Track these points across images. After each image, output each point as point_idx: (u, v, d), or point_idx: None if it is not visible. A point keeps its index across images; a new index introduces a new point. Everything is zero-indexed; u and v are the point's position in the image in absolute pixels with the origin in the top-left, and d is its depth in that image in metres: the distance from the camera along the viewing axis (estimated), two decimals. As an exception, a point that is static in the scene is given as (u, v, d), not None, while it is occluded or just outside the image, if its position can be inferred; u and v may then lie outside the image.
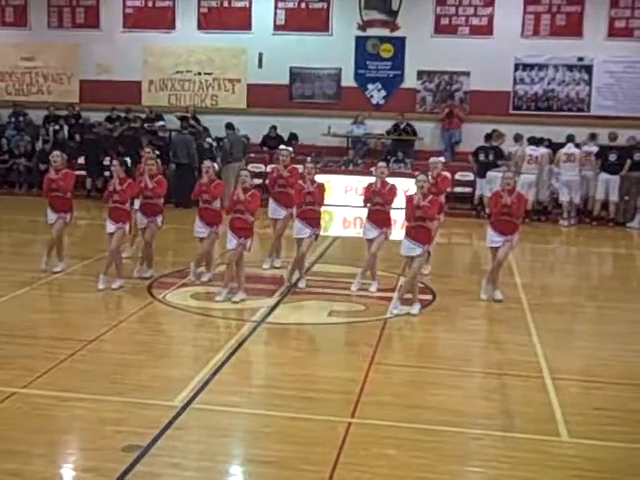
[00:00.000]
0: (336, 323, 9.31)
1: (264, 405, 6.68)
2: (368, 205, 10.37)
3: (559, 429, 6.26)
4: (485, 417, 6.52)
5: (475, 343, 8.69)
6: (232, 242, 9.68)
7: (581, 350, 8.64)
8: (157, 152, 11.68)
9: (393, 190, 10.28)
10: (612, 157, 16.88)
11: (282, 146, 12.63)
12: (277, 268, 11.41)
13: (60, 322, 9.03)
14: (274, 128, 19.64)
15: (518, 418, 6.51)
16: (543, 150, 17.16)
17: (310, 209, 10.38)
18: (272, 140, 19.52)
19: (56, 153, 11.12)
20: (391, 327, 9.05)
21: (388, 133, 19.64)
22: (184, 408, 6.43)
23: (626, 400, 7.01)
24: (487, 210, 13.75)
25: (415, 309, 9.43)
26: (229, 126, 18.48)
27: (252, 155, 19.12)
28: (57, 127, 20.27)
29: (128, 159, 11.02)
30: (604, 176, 16.91)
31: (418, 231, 9.36)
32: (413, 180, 9.79)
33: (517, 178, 16.77)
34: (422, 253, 9.41)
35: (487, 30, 19.39)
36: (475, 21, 19.49)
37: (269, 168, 15.99)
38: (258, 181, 15.09)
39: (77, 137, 19.85)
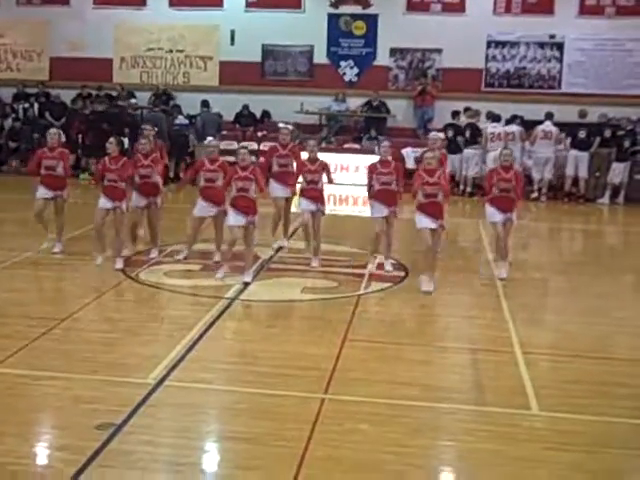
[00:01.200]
0: (309, 300, 9.34)
1: (238, 382, 6.69)
2: (375, 185, 10.23)
3: (530, 402, 6.34)
4: (457, 391, 6.59)
5: (447, 319, 8.77)
6: (239, 220, 9.51)
7: (551, 324, 8.76)
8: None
9: (398, 168, 10.29)
10: (581, 134, 17.04)
11: (281, 124, 12.36)
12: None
13: (32, 301, 8.97)
14: (246, 107, 19.54)
15: (489, 392, 6.58)
16: (514, 127, 17.24)
17: (313, 188, 10.37)
18: (245, 118, 19.45)
19: (53, 131, 11.02)
20: (364, 303, 9.10)
21: (361, 111, 19.62)
22: (158, 385, 6.43)
23: (596, 373, 7.11)
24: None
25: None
26: (204, 104, 18.38)
27: (224, 133, 19.02)
28: (27, 105, 20.03)
29: (126, 139, 10.84)
30: (573, 153, 17.07)
31: (432, 207, 9.39)
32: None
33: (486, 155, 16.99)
34: (438, 227, 9.46)
35: (459, 7, 19.40)
36: (447, -2, 19.49)
37: (264, 146, 16.07)
38: (231, 158, 14.99)
39: (47, 115, 19.68)
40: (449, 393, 6.54)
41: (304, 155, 11.03)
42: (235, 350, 7.73)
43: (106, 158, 10.20)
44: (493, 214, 10.10)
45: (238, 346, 7.84)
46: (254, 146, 16.97)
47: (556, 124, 17.28)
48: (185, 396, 6.33)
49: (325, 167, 10.57)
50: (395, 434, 5.74)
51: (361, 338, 7.86)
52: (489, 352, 7.57)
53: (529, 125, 17.49)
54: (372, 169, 10.24)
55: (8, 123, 19.60)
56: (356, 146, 18.95)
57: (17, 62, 21.15)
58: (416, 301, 9.27)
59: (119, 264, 10.07)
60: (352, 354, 7.36)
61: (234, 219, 9.54)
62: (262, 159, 11.45)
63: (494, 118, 17.40)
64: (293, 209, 11.72)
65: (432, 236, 9.44)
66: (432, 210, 9.39)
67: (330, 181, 10.77)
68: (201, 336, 7.69)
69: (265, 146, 15.39)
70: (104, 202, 10.09)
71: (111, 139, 10.39)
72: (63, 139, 11.20)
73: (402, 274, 10.24)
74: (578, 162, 17.04)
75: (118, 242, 10.22)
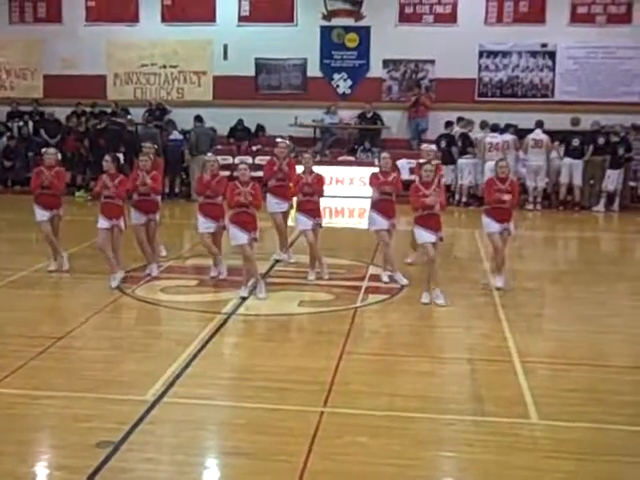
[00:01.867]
0: (306, 313, 9.34)
1: (236, 397, 6.69)
2: (375, 195, 10.27)
3: (529, 411, 6.33)
4: (456, 402, 6.57)
5: (445, 329, 8.76)
6: (243, 237, 9.46)
7: (549, 333, 8.76)
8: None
9: (397, 180, 10.33)
10: (575, 142, 17.09)
11: (279, 139, 12.45)
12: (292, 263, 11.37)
13: (29, 320, 8.94)
14: (241, 122, 19.58)
15: (488, 402, 6.57)
16: (508, 137, 17.29)
17: (309, 200, 10.39)
18: (239, 132, 19.49)
19: (51, 151, 11.02)
20: (361, 316, 9.10)
21: (355, 123, 19.66)
22: (156, 402, 6.41)
23: (594, 381, 7.11)
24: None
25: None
26: (198, 119, 18.42)
27: (219, 147, 19.04)
28: (21, 123, 20.05)
29: (121, 155, 10.81)
30: (568, 161, 17.12)
31: (431, 219, 9.40)
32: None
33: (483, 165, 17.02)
34: (436, 240, 9.46)
35: (451, 18, 19.48)
36: (439, 9, 19.58)
37: (259, 160, 16.13)
38: (226, 173, 15.01)
39: (42, 132, 19.72)
40: (449, 404, 6.53)
41: (299, 169, 11.04)
42: (233, 365, 7.72)
43: (104, 175, 10.20)
44: (489, 224, 10.10)
45: (236, 361, 7.83)
46: (249, 160, 16.96)
47: (549, 132, 17.33)
48: (184, 412, 6.31)
49: (320, 180, 10.59)
50: (395, 446, 5.73)
51: (359, 351, 7.86)
52: (487, 362, 7.57)
53: (523, 134, 17.53)
54: (373, 180, 10.27)
55: (3, 142, 19.57)
56: (350, 158, 18.98)
57: (11, 80, 21.19)
58: (414, 313, 9.27)
59: (114, 282, 10.03)
60: (350, 367, 7.35)
61: (235, 237, 9.51)
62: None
63: (493, 128, 17.41)
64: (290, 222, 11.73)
65: (434, 247, 9.47)
66: (432, 223, 9.40)
67: (320, 194, 10.70)
68: (199, 352, 7.67)
69: (262, 160, 15.37)
70: (102, 222, 10.05)
71: (107, 156, 10.37)
72: (59, 157, 11.20)
73: (399, 286, 10.23)
74: (572, 170, 17.09)
75: (115, 260, 10.20)
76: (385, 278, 10.34)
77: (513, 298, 9.77)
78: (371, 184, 10.31)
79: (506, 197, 9.78)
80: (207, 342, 7.98)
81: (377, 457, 5.56)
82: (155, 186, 10.48)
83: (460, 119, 18.11)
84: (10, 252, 10.90)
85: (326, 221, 14.65)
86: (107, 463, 5.39)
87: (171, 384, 6.80)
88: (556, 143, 17.25)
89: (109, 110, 19.84)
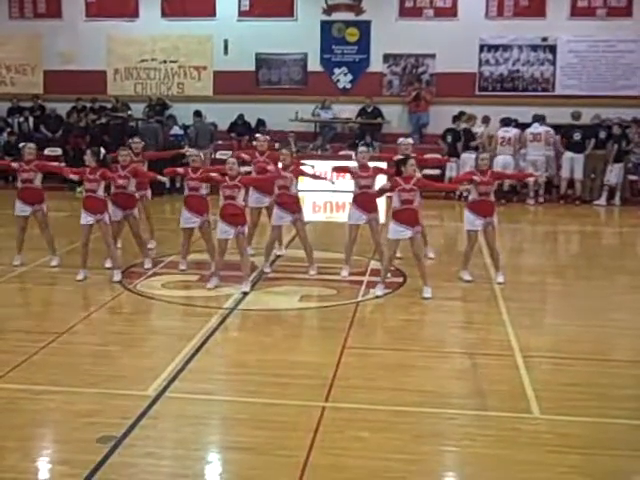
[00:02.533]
0: (308, 308, 9.34)
1: (238, 392, 6.69)
2: (355, 189, 10.30)
3: (531, 406, 6.34)
4: (458, 397, 6.58)
5: (447, 324, 8.75)
6: (228, 231, 9.55)
7: (551, 327, 8.77)
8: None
9: (376, 173, 10.33)
10: (576, 136, 17.05)
11: (258, 134, 12.59)
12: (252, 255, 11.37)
13: (30, 315, 8.98)
14: (241, 116, 19.57)
15: (490, 397, 6.58)
16: (515, 131, 17.23)
17: (284, 193, 10.36)
18: (240, 127, 19.48)
19: (30, 145, 11.04)
20: (363, 310, 9.10)
21: (356, 117, 19.65)
22: (158, 397, 6.42)
23: (595, 375, 7.11)
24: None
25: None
26: (197, 114, 18.41)
27: (220, 142, 19.05)
28: (22, 119, 20.05)
29: (102, 149, 10.79)
30: (569, 155, 17.09)
31: (407, 213, 9.37)
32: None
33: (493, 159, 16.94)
34: (414, 235, 9.41)
35: (451, 12, 19.44)
36: (440, 3, 19.55)
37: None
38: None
39: (42, 128, 19.71)
40: (450, 399, 6.53)
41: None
42: (235, 360, 7.73)
43: (85, 169, 10.21)
44: (473, 221, 10.04)
45: (237, 356, 7.84)
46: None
47: (551, 126, 17.29)
48: (185, 407, 6.32)
49: (296, 169, 10.58)
50: (397, 441, 5.74)
51: (360, 345, 7.87)
52: (489, 356, 7.58)
53: (524, 128, 17.48)
54: (351, 174, 10.33)
55: (3, 137, 19.57)
56: (351, 153, 18.92)
57: (11, 76, 21.17)
58: (415, 307, 9.27)
59: (117, 276, 10.05)
60: (352, 361, 7.36)
61: (222, 232, 9.58)
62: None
63: (505, 122, 17.32)
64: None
65: (412, 244, 9.45)
66: (407, 217, 9.35)
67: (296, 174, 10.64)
68: (200, 347, 7.68)
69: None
70: (85, 217, 10.07)
71: (88, 151, 10.40)
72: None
73: (400, 280, 10.23)
74: (574, 164, 17.06)
75: (113, 253, 10.21)
76: (344, 273, 10.38)
77: (514, 292, 9.76)
78: (352, 177, 10.36)
79: (462, 187, 9.71)
80: (208, 337, 7.99)
81: (379, 452, 5.57)
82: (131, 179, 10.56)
83: (462, 113, 18.06)
84: (12, 247, 10.87)
85: (327, 216, 14.70)
86: (109, 458, 5.41)
87: (173, 379, 6.81)
88: (558, 137, 17.19)
89: (109, 105, 19.83)
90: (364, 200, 10.20)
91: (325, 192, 16.07)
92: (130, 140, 12.18)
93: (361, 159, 10.36)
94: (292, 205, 10.39)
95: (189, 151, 11.08)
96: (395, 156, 10.42)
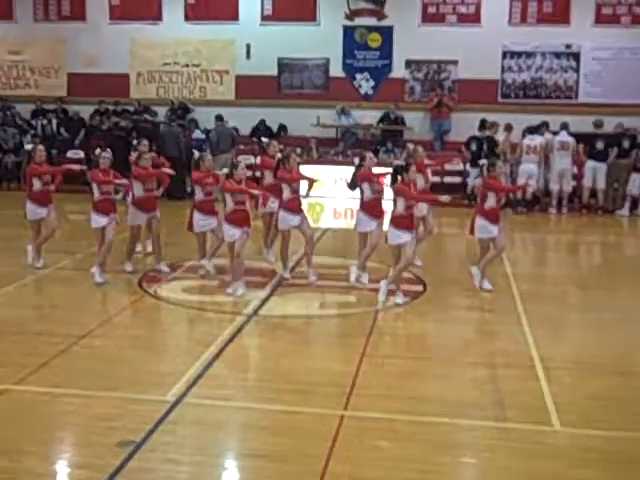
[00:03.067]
0: (327, 315, 9.32)
1: (257, 399, 6.67)
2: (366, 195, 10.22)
3: (551, 418, 6.28)
4: (477, 407, 6.54)
5: (466, 333, 8.70)
6: (235, 233, 9.62)
7: (572, 339, 8.70)
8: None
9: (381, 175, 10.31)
10: (599, 145, 16.91)
11: (266, 139, 12.63)
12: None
13: (51, 318, 9.00)
14: (263, 121, 19.60)
15: (510, 408, 6.52)
16: (541, 139, 17.07)
17: (295, 197, 10.33)
18: (261, 132, 19.49)
19: (41, 147, 11.09)
20: (382, 318, 9.07)
21: (378, 123, 19.62)
22: (177, 403, 6.43)
23: (617, 388, 7.04)
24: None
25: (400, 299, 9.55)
26: (218, 118, 18.46)
27: (241, 147, 19.09)
28: (45, 121, 20.19)
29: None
30: (591, 163, 16.95)
31: (408, 220, 9.39)
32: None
33: (506, 166, 16.86)
34: (411, 240, 9.41)
35: (474, 18, 19.38)
36: (462, 9, 19.48)
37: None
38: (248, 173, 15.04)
39: (62, 131, 19.84)
40: (470, 409, 6.49)
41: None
42: (254, 366, 7.74)
43: (97, 170, 10.26)
44: (487, 228, 9.99)
45: (257, 362, 7.84)
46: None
47: (573, 135, 17.17)
48: (204, 413, 6.32)
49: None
50: (416, 451, 5.71)
51: (380, 353, 7.85)
52: (509, 367, 7.53)
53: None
54: (365, 177, 10.19)
55: (27, 140, 19.67)
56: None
57: (35, 78, 21.31)
58: (434, 315, 9.24)
59: (99, 277, 10.09)
60: (371, 370, 7.33)
61: (229, 234, 9.65)
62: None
63: (530, 130, 17.21)
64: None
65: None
66: (408, 223, 9.38)
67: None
68: (220, 352, 7.68)
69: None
70: (99, 219, 10.13)
71: (105, 153, 10.44)
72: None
73: (420, 288, 10.20)
74: (596, 173, 16.92)
75: (104, 253, 10.23)
76: (364, 279, 10.32)
77: (535, 303, 9.69)
78: (361, 182, 10.20)
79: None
80: (228, 343, 7.99)
81: (397, 461, 5.54)
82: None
83: (484, 121, 17.95)
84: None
85: (347, 222, 14.70)
86: (128, 463, 5.41)
87: (192, 384, 6.81)
88: (581, 146, 17.05)
89: (131, 108, 19.94)
90: (375, 206, 10.17)
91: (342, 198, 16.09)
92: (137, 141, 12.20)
93: (370, 165, 10.32)
94: (298, 207, 10.31)
95: (197, 154, 10.99)
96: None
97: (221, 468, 5.61)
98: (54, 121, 20.26)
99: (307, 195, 10.58)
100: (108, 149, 10.70)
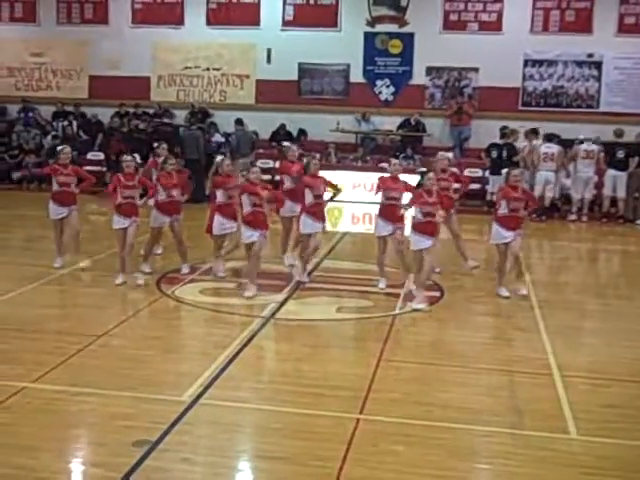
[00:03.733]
0: (345, 319, 9.32)
1: (273, 401, 6.67)
2: (382, 200, 10.30)
3: (568, 426, 6.25)
4: (494, 414, 6.51)
5: (484, 340, 8.67)
6: (252, 234, 9.67)
7: (590, 347, 8.63)
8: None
9: (408, 186, 10.30)
10: (620, 154, 16.81)
11: (286, 143, 12.63)
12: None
13: (70, 317, 9.05)
14: (283, 126, 19.64)
15: (527, 415, 6.49)
16: (557, 147, 17.00)
17: (318, 203, 10.37)
18: (281, 136, 19.53)
19: (67, 150, 11.17)
20: (399, 323, 9.05)
21: (398, 129, 19.61)
22: (193, 403, 6.45)
23: (634, 397, 7.00)
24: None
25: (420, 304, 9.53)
26: (238, 122, 18.53)
27: (261, 151, 19.14)
28: (66, 123, 20.33)
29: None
30: (611, 172, 16.86)
31: (431, 226, 9.46)
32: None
33: (526, 174, 16.77)
34: (432, 245, 9.44)
35: (496, 26, 19.35)
36: (484, 17, 19.46)
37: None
38: (267, 177, 15.05)
39: (81, 133, 19.98)
40: (486, 415, 6.47)
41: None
42: (270, 369, 7.74)
43: (120, 175, 10.33)
44: (501, 233, 10.00)
45: (273, 365, 7.85)
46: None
47: (594, 143, 17.07)
48: (220, 414, 6.34)
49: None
50: (431, 456, 5.69)
51: (396, 358, 7.82)
52: (526, 374, 7.49)
53: (566, 144, 17.27)
54: (381, 183, 10.27)
55: (48, 141, 19.86)
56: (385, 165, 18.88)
57: (57, 81, 21.49)
58: (452, 321, 9.22)
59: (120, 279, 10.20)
60: (387, 374, 7.32)
61: (247, 237, 9.70)
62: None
63: (548, 138, 17.14)
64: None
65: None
66: (431, 229, 9.47)
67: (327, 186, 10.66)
68: (236, 354, 7.69)
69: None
70: (120, 221, 10.17)
71: (127, 157, 10.52)
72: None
73: (438, 294, 10.17)
74: (616, 182, 16.83)
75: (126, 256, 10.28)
76: (382, 285, 10.33)
77: (553, 310, 9.65)
78: (377, 187, 10.32)
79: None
80: (245, 345, 8.00)
81: (412, 466, 5.53)
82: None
83: (504, 127, 17.88)
84: (53, 250, 11.01)
85: (365, 227, 14.70)
86: (143, 462, 5.44)
87: (208, 386, 6.83)
88: (602, 154, 16.97)
89: (151, 111, 20.05)
90: (392, 211, 10.16)
91: (362, 203, 16.07)
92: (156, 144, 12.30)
93: (394, 171, 10.35)
94: (321, 213, 10.39)
95: (220, 158, 11.03)
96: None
97: (235, 469, 5.63)
98: (74, 123, 20.39)
99: (330, 200, 10.66)
100: (136, 154, 10.75)
